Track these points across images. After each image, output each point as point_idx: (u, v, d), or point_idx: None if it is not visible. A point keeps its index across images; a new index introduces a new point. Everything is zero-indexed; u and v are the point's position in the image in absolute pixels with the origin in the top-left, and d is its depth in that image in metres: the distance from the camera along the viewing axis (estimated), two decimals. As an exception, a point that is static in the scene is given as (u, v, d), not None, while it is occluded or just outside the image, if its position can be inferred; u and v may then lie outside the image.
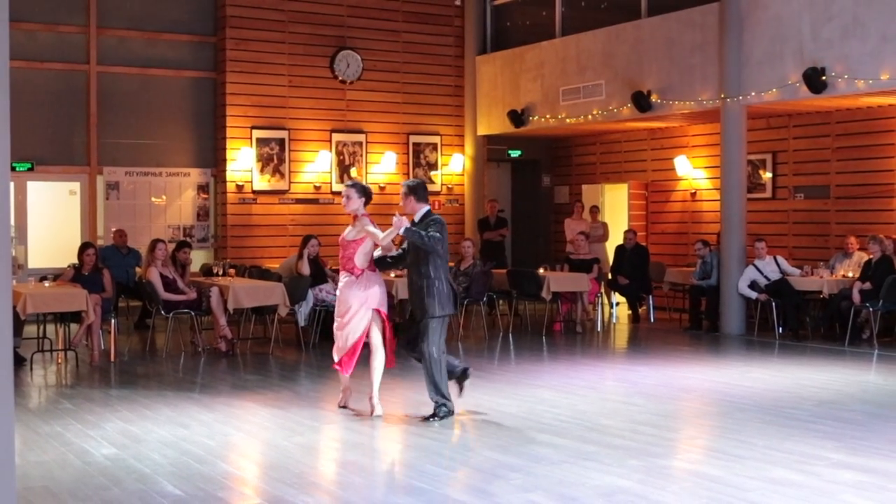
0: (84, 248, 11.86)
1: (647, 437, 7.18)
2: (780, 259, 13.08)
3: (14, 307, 9.61)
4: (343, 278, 8.11)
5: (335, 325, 8.21)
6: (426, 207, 7.99)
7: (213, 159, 15.85)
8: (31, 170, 14.61)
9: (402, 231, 7.62)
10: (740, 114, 13.19)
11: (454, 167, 17.35)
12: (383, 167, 16.62)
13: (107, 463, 6.47)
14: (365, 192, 8.16)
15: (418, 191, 8.01)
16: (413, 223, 7.82)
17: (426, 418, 7.80)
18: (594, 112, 15.06)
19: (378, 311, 8.03)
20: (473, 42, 17.29)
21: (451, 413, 7.83)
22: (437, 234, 7.71)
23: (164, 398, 8.76)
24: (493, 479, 6.01)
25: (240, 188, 15.66)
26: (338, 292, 8.16)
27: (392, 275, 12.78)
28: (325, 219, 16.06)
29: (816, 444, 6.88)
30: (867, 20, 11.70)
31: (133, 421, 7.77)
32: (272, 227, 15.87)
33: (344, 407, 8.30)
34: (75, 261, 11.90)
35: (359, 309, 7.97)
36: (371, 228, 7.94)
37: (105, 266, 12.08)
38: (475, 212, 17.09)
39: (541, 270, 13.69)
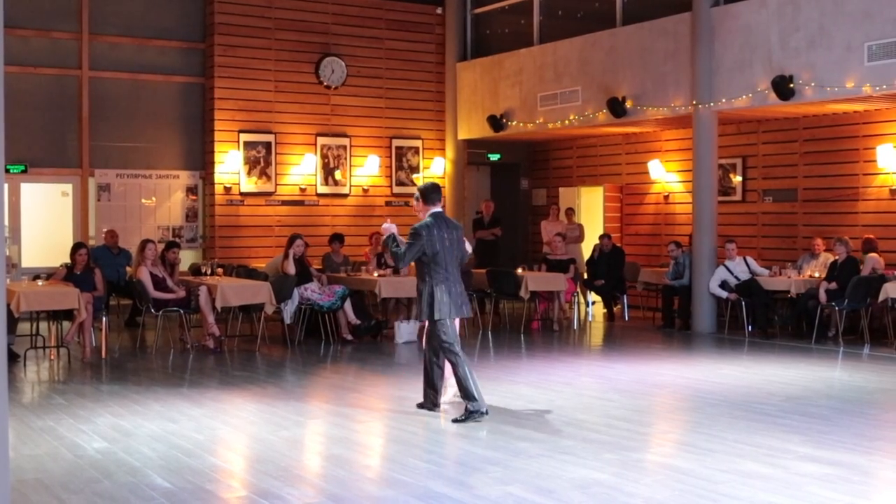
0: (76, 248, 11.89)
1: (622, 431, 7.27)
2: (750, 260, 13.19)
3: (8, 305, 9.67)
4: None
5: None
6: (431, 210, 7.76)
7: (202, 162, 15.96)
8: (24, 172, 14.68)
9: (383, 240, 7.74)
10: (711, 119, 13.34)
11: (435, 170, 17.42)
12: (367, 170, 16.77)
13: (98, 456, 6.48)
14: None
15: (425, 194, 7.83)
16: None
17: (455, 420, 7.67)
18: (571, 117, 15.15)
19: None
20: (454, 49, 17.38)
21: (434, 407, 7.96)
22: (399, 250, 7.56)
23: (154, 394, 8.80)
24: (473, 471, 6.09)
25: (227, 190, 15.78)
26: None
27: (375, 274, 13.11)
28: (310, 220, 16.24)
29: (784, 437, 6.99)
30: (833, 30, 11.85)
31: (123, 416, 7.80)
32: (259, 227, 15.97)
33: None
34: (68, 260, 11.92)
35: None
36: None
37: (96, 265, 12.06)
38: (456, 214, 17.04)
39: (519, 270, 13.80)
